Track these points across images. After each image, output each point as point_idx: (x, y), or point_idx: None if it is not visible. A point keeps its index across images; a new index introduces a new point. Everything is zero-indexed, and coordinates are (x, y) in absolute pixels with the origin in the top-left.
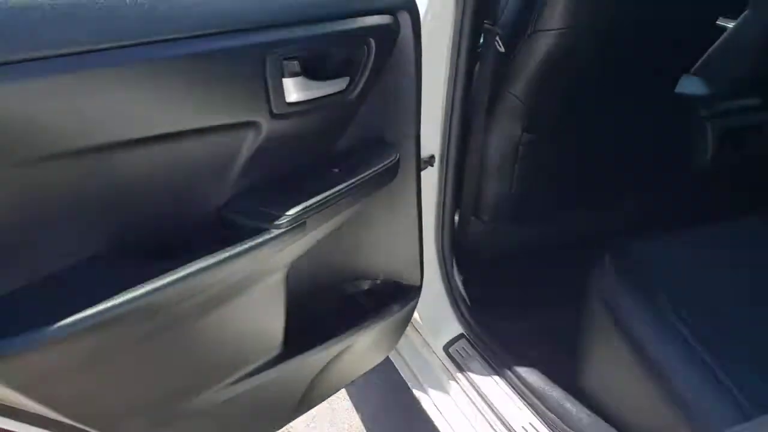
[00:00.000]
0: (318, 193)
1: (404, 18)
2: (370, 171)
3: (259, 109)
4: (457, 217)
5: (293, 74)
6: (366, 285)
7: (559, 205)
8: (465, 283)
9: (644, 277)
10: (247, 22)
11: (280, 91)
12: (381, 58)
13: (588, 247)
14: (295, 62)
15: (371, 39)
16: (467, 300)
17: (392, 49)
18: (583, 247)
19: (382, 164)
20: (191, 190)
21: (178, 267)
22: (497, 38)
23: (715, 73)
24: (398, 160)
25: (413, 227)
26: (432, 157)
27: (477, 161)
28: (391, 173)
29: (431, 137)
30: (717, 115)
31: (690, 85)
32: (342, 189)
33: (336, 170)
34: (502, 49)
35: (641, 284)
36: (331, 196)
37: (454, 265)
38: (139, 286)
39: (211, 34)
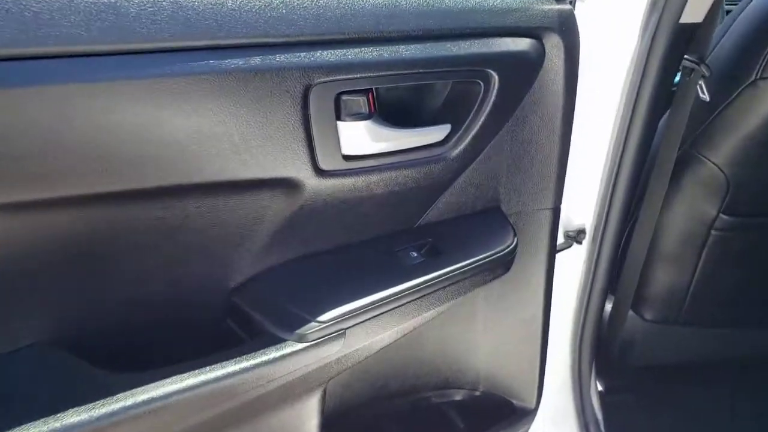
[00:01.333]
0: (375, 290)
1: (554, 42)
2: (472, 260)
3: (298, 161)
4: (607, 310)
5: (355, 115)
6: (459, 396)
7: (751, 313)
8: (604, 402)
9: None
10: (286, 33)
11: (333, 139)
12: (508, 98)
13: None
14: (360, 98)
15: (492, 72)
16: (603, 428)
17: (528, 86)
18: None
19: (491, 251)
20: (193, 264)
21: (162, 377)
22: (701, 82)
23: None
24: (516, 244)
25: (535, 327)
26: (581, 232)
27: (646, 241)
28: (504, 263)
29: (583, 205)
30: None
31: None
32: (419, 285)
33: (414, 254)
34: (707, 97)
35: None
36: (398, 295)
37: (593, 375)
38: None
39: (227, 47)
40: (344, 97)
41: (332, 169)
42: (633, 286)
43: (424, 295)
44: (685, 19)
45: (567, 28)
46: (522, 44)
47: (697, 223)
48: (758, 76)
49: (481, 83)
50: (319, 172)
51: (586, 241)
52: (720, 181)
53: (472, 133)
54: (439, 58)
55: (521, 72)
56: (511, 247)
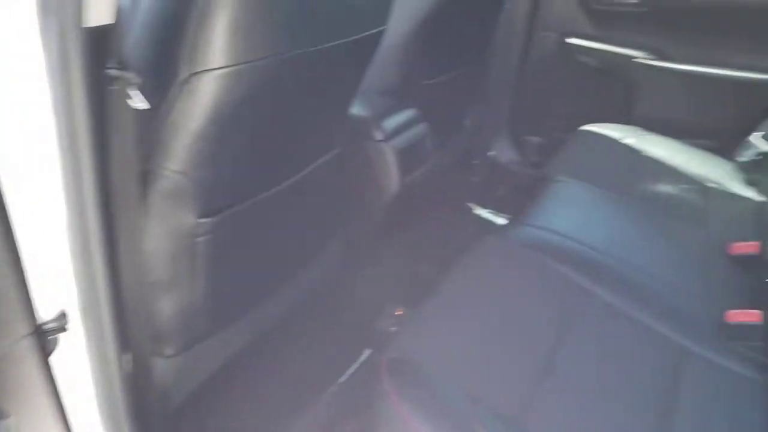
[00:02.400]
0: None
1: None
2: None
3: None
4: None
5: None
6: None
7: (267, 288)
8: None
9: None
10: None
11: None
12: None
13: None
14: None
15: None
16: None
17: None
18: None
19: None
20: None
21: None
22: (132, 89)
23: (371, 88)
24: None
25: None
26: (62, 317)
27: (137, 285)
28: None
29: (54, 288)
30: (390, 135)
31: (358, 107)
32: None
33: None
34: (143, 105)
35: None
36: None
37: None
38: None
39: None
40: None
41: None
42: (144, 337)
43: None
44: (93, 21)
45: None
46: None
47: (180, 239)
48: (190, 73)
49: None
50: None
51: (76, 322)
52: (186, 188)
53: None
54: None
55: None
56: None
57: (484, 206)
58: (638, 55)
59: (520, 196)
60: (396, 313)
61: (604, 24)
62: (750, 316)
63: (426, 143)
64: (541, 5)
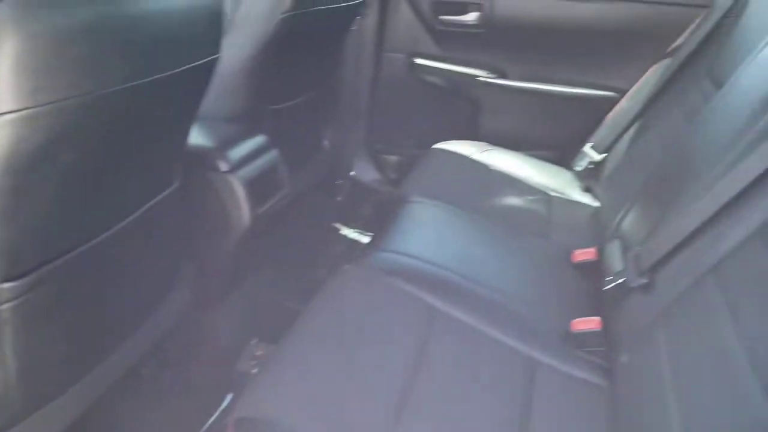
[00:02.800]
0: None
1: None
2: None
3: None
4: None
5: None
6: None
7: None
8: None
9: None
10: None
11: None
12: None
13: None
14: None
15: None
16: None
17: None
18: None
19: None
20: None
21: None
22: None
23: (215, 117)
24: None
25: None
26: None
27: None
28: None
29: None
30: (237, 165)
31: (200, 137)
32: None
33: None
34: None
35: None
36: None
37: None
38: None
39: None
40: None
41: None
42: None
43: None
44: None
45: None
46: None
47: None
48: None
49: None
50: None
51: None
52: None
53: None
54: None
55: None
56: None
57: (350, 226)
58: (480, 74)
59: (383, 213)
60: (257, 353)
61: (448, 44)
62: (591, 323)
63: (279, 170)
64: (387, 27)
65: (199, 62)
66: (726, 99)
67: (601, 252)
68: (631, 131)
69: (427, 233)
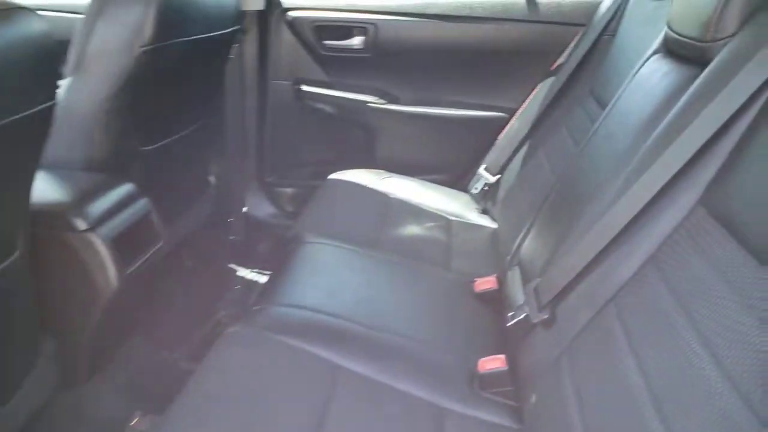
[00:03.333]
0: None
1: None
2: None
3: None
4: None
5: None
6: None
7: None
8: None
9: None
10: None
11: None
12: None
13: None
14: None
15: None
16: None
17: None
18: None
19: None
20: None
21: None
22: None
23: (70, 167)
24: None
25: None
26: None
27: None
28: None
29: None
30: (98, 221)
31: (53, 192)
32: None
33: None
34: None
35: None
36: None
37: None
38: None
39: None
40: None
41: None
42: None
43: None
44: None
45: None
46: None
47: None
48: None
49: None
50: None
51: None
52: None
53: None
54: None
55: None
56: None
57: (247, 266)
58: (370, 100)
59: (280, 252)
60: (140, 429)
61: (334, 70)
62: (497, 362)
63: (151, 221)
64: (270, 54)
65: (29, 112)
66: (609, 121)
67: (501, 281)
68: (522, 152)
69: (323, 280)
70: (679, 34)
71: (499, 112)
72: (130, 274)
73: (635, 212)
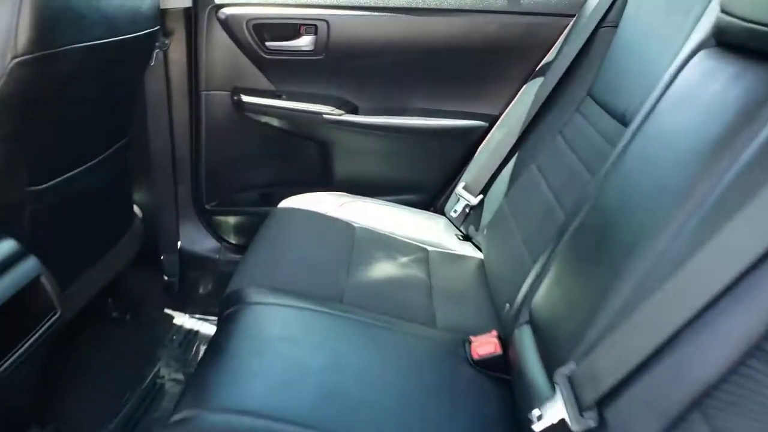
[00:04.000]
0: None
1: None
2: None
3: None
4: None
5: None
6: None
7: None
8: None
9: None
10: None
11: None
12: None
13: None
14: None
15: None
16: None
17: None
18: None
19: None
20: None
21: None
22: None
23: None
24: None
25: None
26: None
27: None
28: None
29: None
30: None
31: None
32: None
33: None
34: None
35: None
36: None
37: None
38: None
39: None
40: None
41: None
42: None
43: None
44: None
45: None
46: None
47: None
48: None
49: None
50: None
51: None
52: None
53: None
54: None
55: None
56: None
57: (188, 311)
58: (325, 111)
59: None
60: None
61: (281, 77)
62: None
63: (41, 287)
64: (201, 59)
65: None
66: (643, 142)
67: (505, 342)
68: (509, 167)
69: (272, 364)
70: (750, 20)
71: (477, 120)
72: (13, 362)
73: (730, 276)
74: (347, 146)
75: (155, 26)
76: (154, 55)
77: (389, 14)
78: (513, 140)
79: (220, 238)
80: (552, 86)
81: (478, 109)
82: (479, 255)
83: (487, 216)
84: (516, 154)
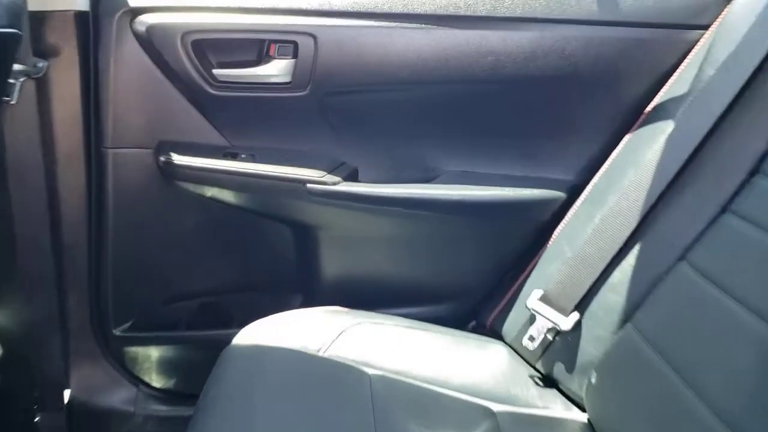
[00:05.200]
0: None
1: None
2: None
3: None
4: None
5: None
6: None
7: None
8: None
9: None
10: None
11: None
12: None
13: None
14: None
15: None
16: None
17: None
18: None
19: None
20: None
21: None
22: None
23: None
24: None
25: None
26: None
27: None
28: None
29: None
30: None
31: None
32: None
33: None
34: None
35: None
36: None
37: None
38: None
39: None
40: None
41: None
42: None
43: None
44: None
45: None
46: None
47: None
48: None
49: None
50: None
51: None
52: None
53: None
54: None
55: None
56: None
57: None
58: (307, 176)
59: None
60: None
61: (237, 125)
62: None
63: None
64: (103, 100)
65: None
66: None
67: None
68: (629, 263)
69: None
70: None
71: (549, 188)
72: None
73: None
74: (343, 231)
75: (9, 26)
76: (15, 88)
77: (409, 25)
78: (633, 220)
79: (136, 380)
80: (695, 144)
81: (551, 172)
82: (581, 418)
83: (592, 349)
84: (639, 244)
